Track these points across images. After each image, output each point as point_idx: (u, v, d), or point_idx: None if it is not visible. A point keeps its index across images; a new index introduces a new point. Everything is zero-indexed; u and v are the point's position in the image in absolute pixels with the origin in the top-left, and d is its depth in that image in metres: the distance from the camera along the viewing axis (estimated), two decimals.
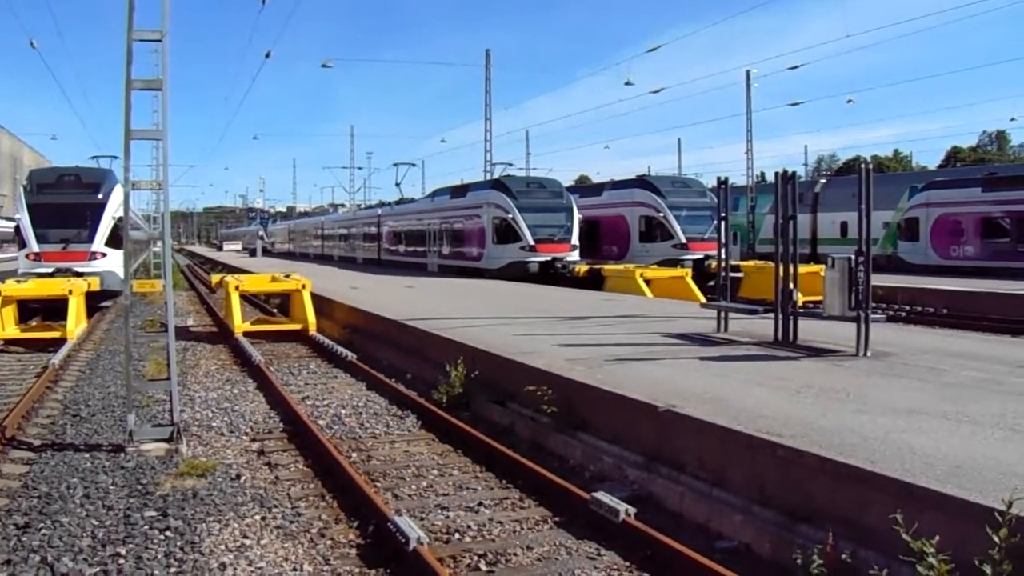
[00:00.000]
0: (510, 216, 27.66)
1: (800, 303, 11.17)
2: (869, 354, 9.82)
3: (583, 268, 26.51)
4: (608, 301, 18.64)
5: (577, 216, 28.53)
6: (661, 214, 29.32)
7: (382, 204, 49.22)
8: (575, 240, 28.03)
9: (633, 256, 29.94)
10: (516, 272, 26.79)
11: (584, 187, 43.05)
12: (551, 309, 16.40)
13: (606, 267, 26.03)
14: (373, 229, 44.51)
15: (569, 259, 27.33)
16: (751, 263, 27.73)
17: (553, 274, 26.70)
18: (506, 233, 27.95)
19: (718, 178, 12.41)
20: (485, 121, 41.51)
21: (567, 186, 35.21)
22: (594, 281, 25.01)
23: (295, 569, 5.74)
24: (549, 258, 27.09)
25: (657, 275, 24.07)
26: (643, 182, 31.66)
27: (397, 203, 43.11)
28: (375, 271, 34.89)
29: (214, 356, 15.47)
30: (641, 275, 23.17)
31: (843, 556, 5.20)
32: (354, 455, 8.54)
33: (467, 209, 30.66)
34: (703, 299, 21.30)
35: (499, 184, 29.75)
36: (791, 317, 10.81)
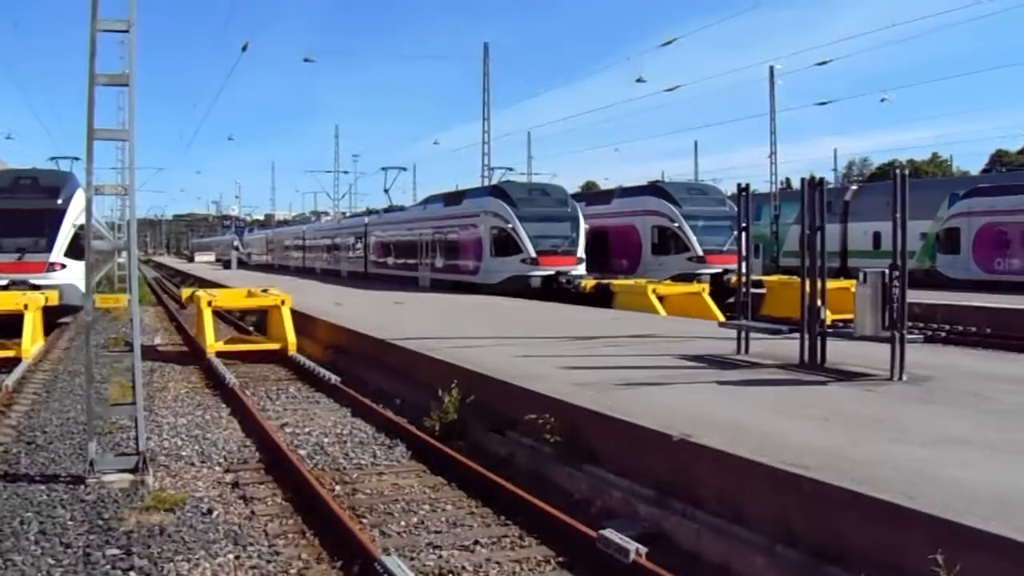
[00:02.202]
0: (510, 226, 27.81)
1: (828, 322, 11.19)
2: (905, 378, 9.81)
3: (590, 283, 26.60)
4: (617, 319, 18.68)
5: (583, 226, 28.66)
6: (676, 224, 29.43)
7: (369, 212, 49.35)
8: (581, 252, 28.17)
9: (645, 270, 30.03)
10: (516, 287, 26.90)
11: (591, 194, 43.31)
12: (555, 328, 16.42)
13: (615, 282, 26.08)
14: (359, 240, 44.65)
15: (575, 273, 27.47)
16: (774, 278, 27.79)
17: (557, 290, 26.81)
18: (505, 244, 28.07)
19: (739, 185, 12.46)
20: (483, 121, 41.74)
21: (572, 193, 35.34)
22: (602, 297, 25.11)
23: None
24: (552, 272, 27.24)
25: (671, 291, 24.12)
26: (656, 189, 31.81)
27: (386, 211, 43.29)
28: (361, 286, 34.95)
29: (184, 378, 15.45)
30: (654, 291, 23.23)
31: None
32: (337, 488, 8.53)
33: (462, 218, 30.79)
34: (722, 317, 21.33)
35: (498, 191, 29.91)
36: (818, 337, 10.83)
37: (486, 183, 38.76)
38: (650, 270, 29.67)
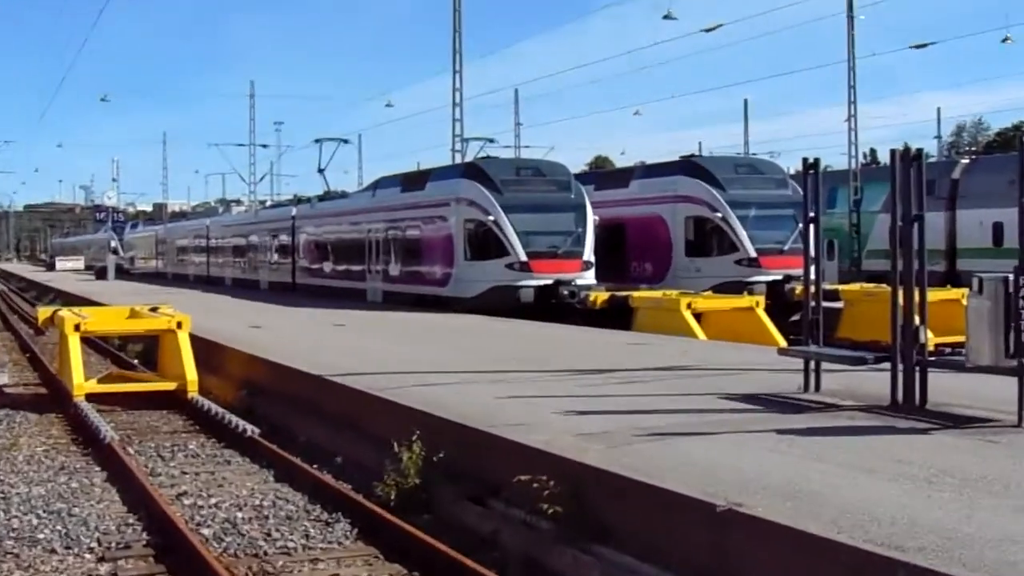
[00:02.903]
0: (490, 218, 28.00)
1: (931, 347, 11.24)
2: None
3: (601, 296, 26.78)
4: (639, 345, 18.77)
5: (592, 218, 28.86)
6: (718, 214, 29.60)
7: (298, 200, 49.54)
8: (589, 254, 28.40)
9: (677, 277, 30.23)
10: (501, 302, 27.14)
11: (603, 174, 43.47)
12: (553, 358, 16.47)
13: (636, 294, 26.22)
14: (285, 238, 44.85)
15: (580, 282, 27.71)
16: (855, 287, 27.95)
17: (556, 305, 27.00)
18: (485, 244, 28.28)
19: (804, 160, 12.52)
20: (453, 76, 41.82)
21: (577, 173, 35.44)
22: (618, 315, 25.28)
23: None
24: (550, 281, 27.46)
25: (713, 306, 24.30)
26: (692, 166, 32.01)
27: (321, 199, 43.49)
28: (288, 301, 35.08)
29: (42, 431, 15.36)
30: (689, 306, 23.36)
31: None
32: None
33: (426, 208, 30.99)
34: (783, 342, 21.40)
35: (474, 170, 30.09)
36: (916, 368, 10.85)
37: (458, 160, 38.86)
38: (684, 278, 29.85)
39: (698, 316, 23.35)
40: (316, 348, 18.72)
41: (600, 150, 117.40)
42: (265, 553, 9.23)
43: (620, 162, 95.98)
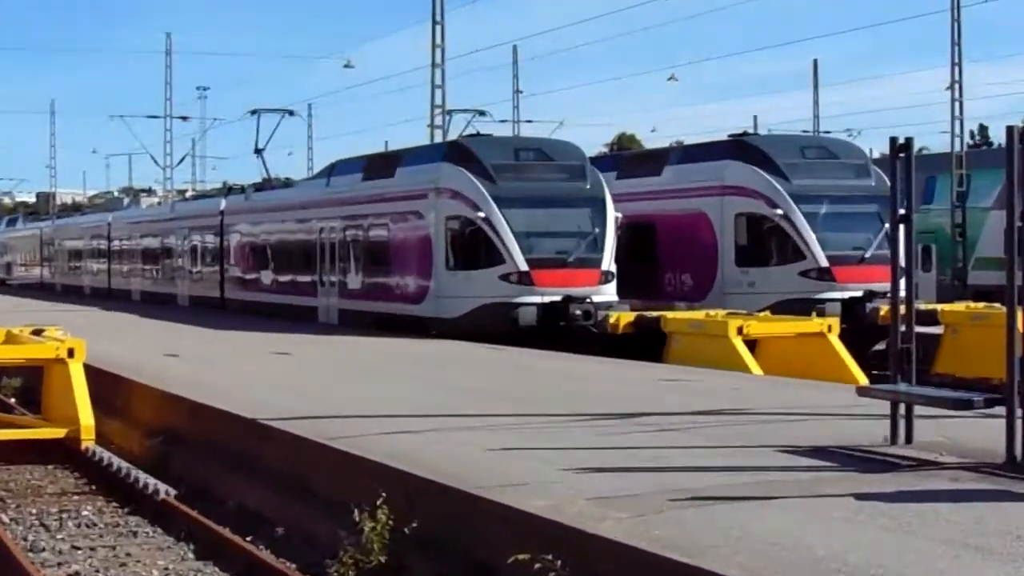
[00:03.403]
0: (480, 215, 28.14)
1: None
2: None
3: (625, 317, 26.89)
4: (674, 382, 18.82)
5: (613, 215, 29.06)
6: (779, 211, 29.60)
7: (230, 191, 49.52)
8: (608, 262, 28.58)
9: (724, 293, 30.27)
10: (493, 324, 27.29)
11: (629, 158, 43.59)
12: (562, 398, 16.50)
13: (671, 315, 26.29)
14: (211, 240, 44.98)
15: (598, 298, 27.89)
16: (959, 307, 27.97)
17: (566, 329, 27.18)
18: (473, 248, 28.51)
19: (893, 140, 12.49)
20: (433, 28, 41.94)
21: (594, 156, 35.40)
22: (647, 342, 25.40)
23: None
24: (558, 297, 27.59)
25: (772, 331, 24.44)
26: (744, 148, 32.04)
27: (259, 189, 43.68)
28: (215, 322, 35.15)
29: None
30: (740, 331, 23.38)
31: None
32: None
33: (397, 201, 31.19)
34: (863, 379, 21.33)
35: (460, 152, 30.29)
36: None
37: (439, 139, 38.89)
38: (733, 294, 29.90)
39: (752, 344, 23.32)
40: (251, 384, 18.66)
41: (624, 126, 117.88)
42: None
43: (650, 142, 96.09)
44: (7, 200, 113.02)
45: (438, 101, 41.09)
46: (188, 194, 70.69)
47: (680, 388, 17.84)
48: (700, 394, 16.93)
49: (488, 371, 21.08)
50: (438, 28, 41.10)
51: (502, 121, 62.27)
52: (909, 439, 12.09)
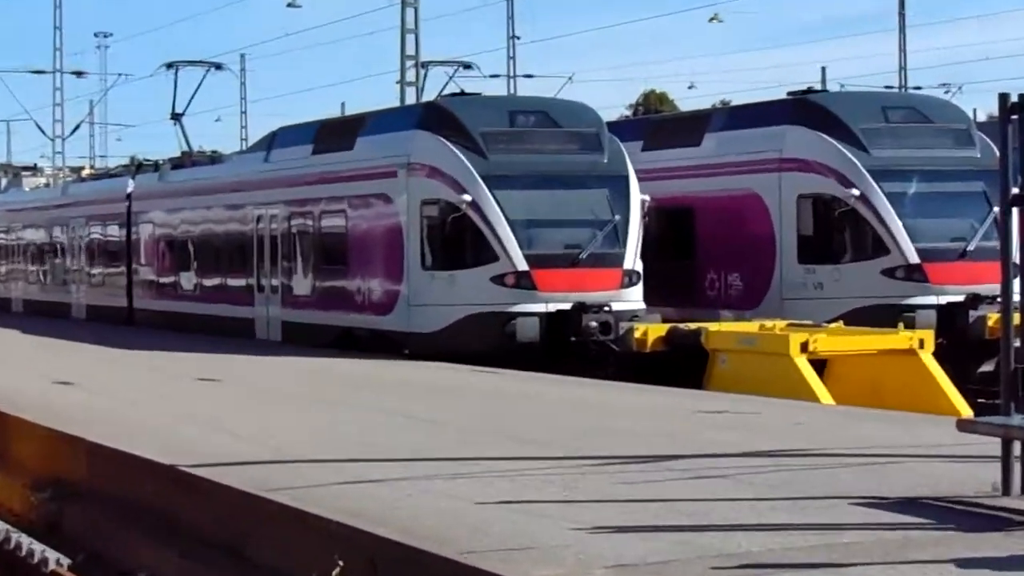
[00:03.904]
0: (465, 197, 28.21)
1: None
2: None
3: (655, 330, 26.99)
4: (719, 415, 18.86)
5: (639, 198, 29.22)
6: (855, 191, 29.57)
7: (139, 168, 49.33)
8: (633, 259, 28.75)
9: (784, 299, 30.32)
10: (482, 341, 27.47)
11: (658, 124, 43.47)
12: (574, 437, 16.52)
13: (715, 328, 26.40)
14: (115, 232, 45.11)
15: (619, 306, 28.04)
16: None
17: (578, 346, 27.37)
18: (456, 242, 28.83)
19: (1003, 98, 12.49)
20: None
21: (613, 121, 35.19)
22: (683, 363, 25.54)
23: None
24: (567, 305, 27.75)
25: (846, 347, 24.58)
26: (809, 110, 32.04)
27: (178, 166, 43.71)
28: (122, 339, 35.22)
29: None
30: (805, 347, 23.37)
31: None
32: None
33: (357, 181, 31.40)
34: (965, 409, 21.23)
35: (439, 116, 30.51)
36: None
37: (412, 100, 38.86)
38: (795, 299, 29.96)
39: (820, 365, 23.35)
40: (169, 420, 18.63)
41: (653, 82, 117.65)
42: None
43: (687, 103, 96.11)
44: None
45: (410, 50, 41.13)
46: (85, 173, 70.22)
47: (726, 422, 17.82)
48: (752, 430, 16.91)
49: (477, 401, 21.06)
50: None
51: (493, 76, 62.41)
52: None
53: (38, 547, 14.39)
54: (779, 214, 30.80)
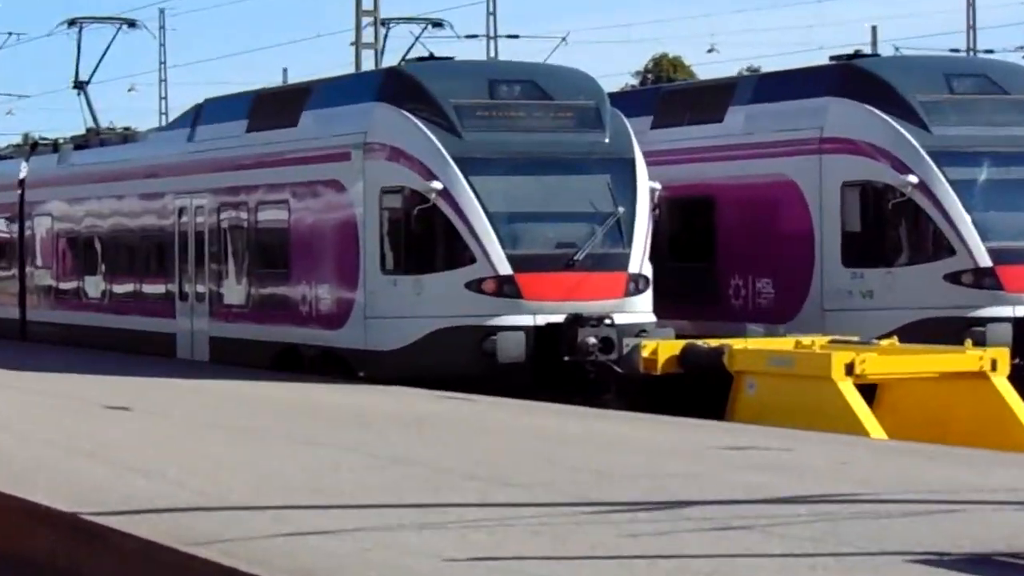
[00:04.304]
0: (435, 185, 28.23)
1: None
2: None
3: (668, 348, 26.99)
4: (745, 452, 18.91)
5: (648, 186, 29.33)
6: (912, 178, 29.62)
7: (35, 149, 49.19)
8: (640, 261, 28.84)
9: (825, 309, 30.45)
10: (454, 361, 27.62)
11: (671, 95, 43.37)
12: (569, 480, 16.56)
13: (740, 344, 26.44)
14: (2, 227, 45.28)
15: (624, 318, 28.13)
16: None
17: (572, 367, 27.43)
18: (424, 240, 28.96)
19: None
20: None
21: (616, 92, 34.95)
22: (702, 388, 25.71)
23: None
24: (560, 317, 27.83)
25: (901, 368, 24.65)
26: (855, 77, 32.12)
27: (82, 146, 43.63)
28: (12, 358, 35.26)
29: None
30: (851, 369, 23.36)
31: None
32: None
33: (301, 165, 31.54)
34: None
35: (402, 86, 30.62)
36: None
37: (369, 67, 38.84)
38: (838, 310, 30.08)
39: (870, 390, 23.34)
40: (70, 457, 18.58)
41: (665, 44, 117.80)
42: None
43: (706, 70, 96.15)
44: None
45: (367, 5, 41.15)
46: None
47: (754, 461, 17.82)
48: (786, 471, 16.90)
49: (449, 435, 21.03)
50: None
51: (470, 37, 62.47)
52: None
53: None
54: (819, 206, 30.84)
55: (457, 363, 27.15)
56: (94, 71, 44.35)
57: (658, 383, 26.03)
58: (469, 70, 32.88)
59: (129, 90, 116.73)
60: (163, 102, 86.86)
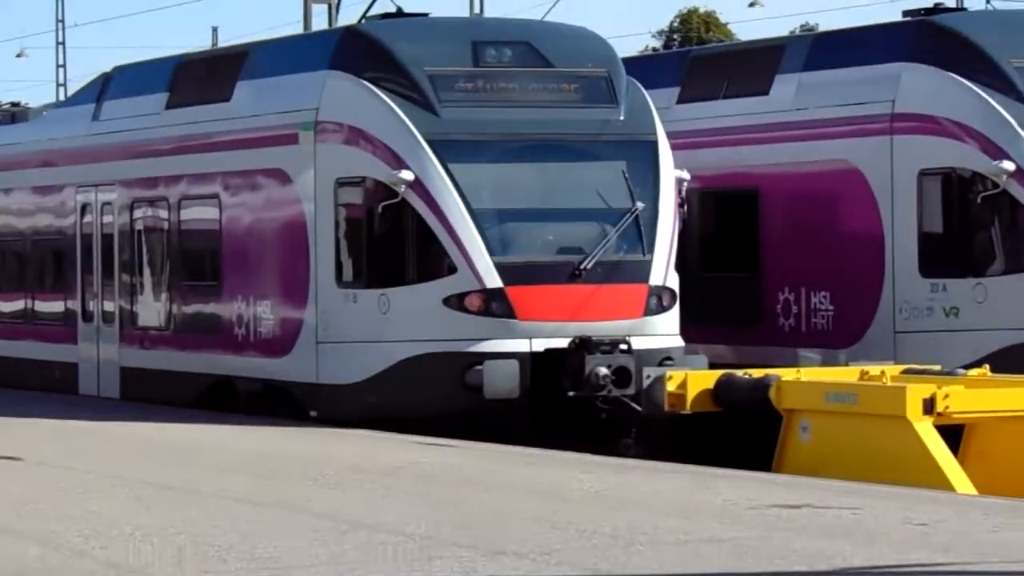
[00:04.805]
0: (404, 175, 28.26)
1: None
2: None
3: (699, 380, 26.93)
4: (800, 510, 18.92)
5: (673, 175, 29.44)
6: (1007, 164, 29.65)
7: None
8: (661, 271, 28.94)
9: (898, 328, 30.50)
10: (430, 397, 27.68)
11: (703, 60, 43.54)
12: (577, 547, 16.47)
13: (790, 374, 26.49)
14: None
15: (643, 342, 28.26)
16: None
17: (578, 404, 27.48)
18: (391, 245, 29.01)
19: None
20: None
21: (634, 56, 34.83)
22: (743, 430, 25.96)
23: None
24: (563, 341, 27.95)
25: (995, 404, 24.56)
26: (934, 36, 32.17)
27: None
28: None
29: None
30: (931, 406, 23.38)
31: None
32: None
33: (236, 150, 31.69)
34: None
35: (363, 50, 30.86)
36: None
37: (321, 26, 38.96)
38: (915, 331, 30.14)
39: (955, 433, 23.38)
40: None
41: None
42: None
43: (747, 28, 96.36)
44: None
45: None
46: None
47: (812, 523, 17.82)
48: (852, 535, 16.89)
49: (425, 490, 21.04)
50: None
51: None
52: None
53: None
54: (890, 199, 30.89)
55: (434, 399, 27.16)
56: None
57: (688, 424, 26.04)
58: (447, 30, 32.78)
59: (18, 55, 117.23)
60: (60, 71, 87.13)
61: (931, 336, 29.27)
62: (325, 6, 40.16)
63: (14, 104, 44.59)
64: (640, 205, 28.38)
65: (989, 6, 40.93)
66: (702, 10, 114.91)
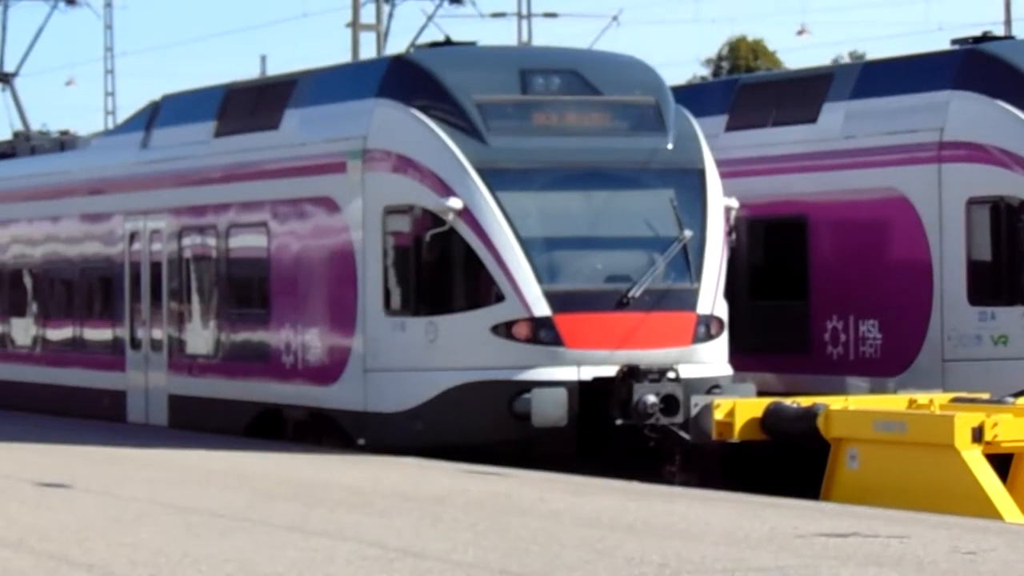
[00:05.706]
0: (452, 204, 28.30)
1: None
2: None
3: (747, 408, 26.90)
4: (848, 539, 18.88)
5: (721, 203, 29.45)
6: None
7: None
8: (709, 300, 28.94)
9: (947, 357, 30.42)
10: (478, 426, 27.75)
11: (752, 89, 43.53)
12: (625, 575, 16.43)
13: (838, 404, 26.39)
14: None
15: (692, 371, 28.27)
16: None
17: (627, 432, 27.48)
18: (439, 273, 29.05)
19: None
20: None
21: (680, 85, 34.84)
22: (791, 459, 25.91)
23: None
24: (611, 370, 27.95)
25: None
26: (983, 65, 32.08)
27: (6, 154, 44.00)
28: None
29: None
30: (979, 435, 23.30)
31: None
32: None
33: (283, 178, 31.74)
34: None
35: (412, 79, 30.78)
36: None
37: (369, 54, 38.95)
38: (965, 360, 30.05)
39: (1004, 462, 23.30)
40: None
41: (743, 25, 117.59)
42: None
43: (795, 56, 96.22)
44: None
45: None
46: None
47: (860, 552, 17.75)
48: (900, 564, 16.83)
49: (474, 519, 21.01)
50: None
51: (497, 16, 62.49)
52: None
53: None
54: (939, 227, 30.82)
55: (482, 428, 27.18)
56: (23, 60, 44.63)
57: (736, 453, 25.99)
58: (496, 58, 32.88)
59: (67, 84, 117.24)
60: (109, 99, 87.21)
61: (980, 364, 29.19)
62: (373, 35, 40.04)
63: (63, 132, 44.59)
64: (688, 233, 28.33)
65: None
66: (750, 38, 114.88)
